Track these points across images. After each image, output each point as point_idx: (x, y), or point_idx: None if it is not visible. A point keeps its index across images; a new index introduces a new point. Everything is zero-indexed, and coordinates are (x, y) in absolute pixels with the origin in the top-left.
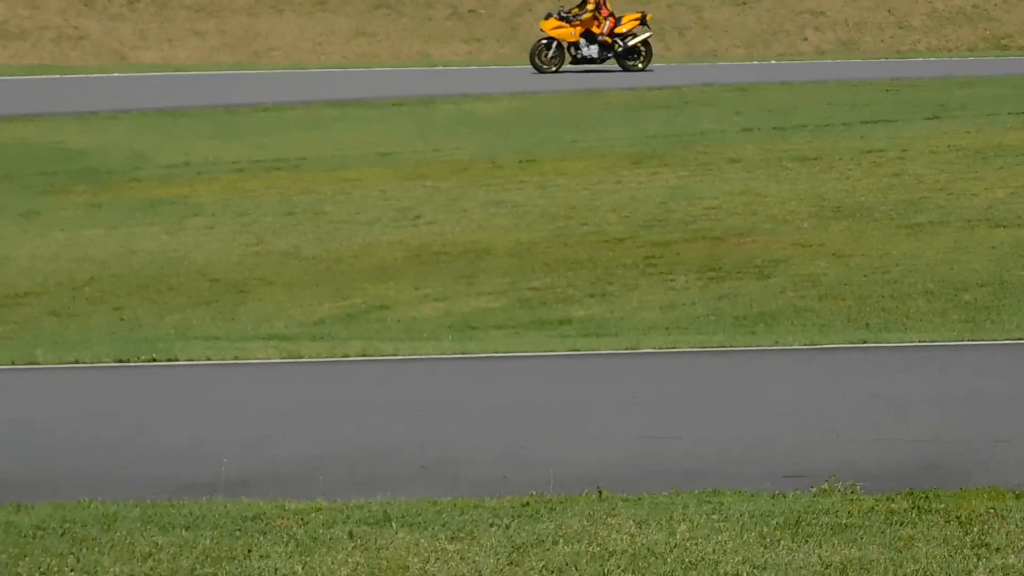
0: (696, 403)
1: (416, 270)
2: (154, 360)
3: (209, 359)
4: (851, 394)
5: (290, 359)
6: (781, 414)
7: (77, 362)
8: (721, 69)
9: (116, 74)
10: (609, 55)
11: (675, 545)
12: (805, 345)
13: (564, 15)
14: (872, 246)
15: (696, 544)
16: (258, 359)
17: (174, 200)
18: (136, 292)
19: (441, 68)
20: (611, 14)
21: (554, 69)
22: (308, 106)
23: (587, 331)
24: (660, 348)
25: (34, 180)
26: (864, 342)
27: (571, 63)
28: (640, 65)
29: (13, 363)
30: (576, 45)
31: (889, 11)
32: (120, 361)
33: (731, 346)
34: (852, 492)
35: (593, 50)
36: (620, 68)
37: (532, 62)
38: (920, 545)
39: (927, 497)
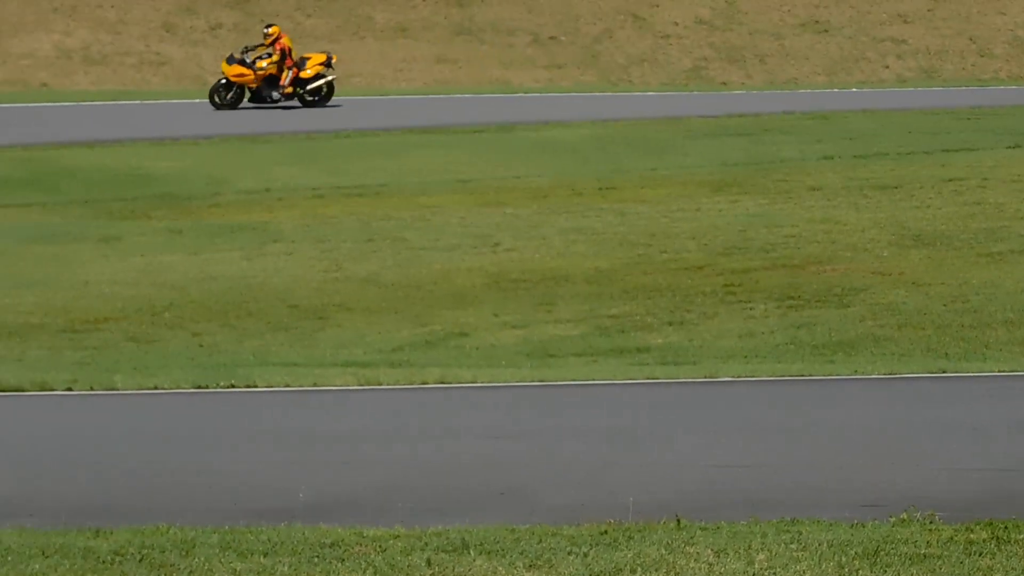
0: (775, 432)
1: (495, 297)
2: (233, 386)
3: (288, 385)
4: (930, 423)
5: (368, 386)
6: (860, 443)
7: (156, 388)
8: (802, 96)
9: (197, 100)
10: (290, 98)
11: (753, 575)
12: (884, 374)
13: (247, 61)
14: (952, 275)
15: (774, 574)
16: (336, 386)
17: (254, 226)
18: (215, 318)
19: (521, 95)
20: (295, 64)
21: (230, 107)
22: (388, 132)
23: (665, 359)
24: (738, 376)
25: (114, 205)
26: (943, 371)
27: (250, 100)
28: (320, 102)
29: (92, 388)
30: (257, 88)
31: (970, 39)
32: (199, 387)
33: (810, 375)
34: (931, 522)
35: (273, 94)
36: (300, 104)
37: (210, 99)
38: None
39: (1006, 527)
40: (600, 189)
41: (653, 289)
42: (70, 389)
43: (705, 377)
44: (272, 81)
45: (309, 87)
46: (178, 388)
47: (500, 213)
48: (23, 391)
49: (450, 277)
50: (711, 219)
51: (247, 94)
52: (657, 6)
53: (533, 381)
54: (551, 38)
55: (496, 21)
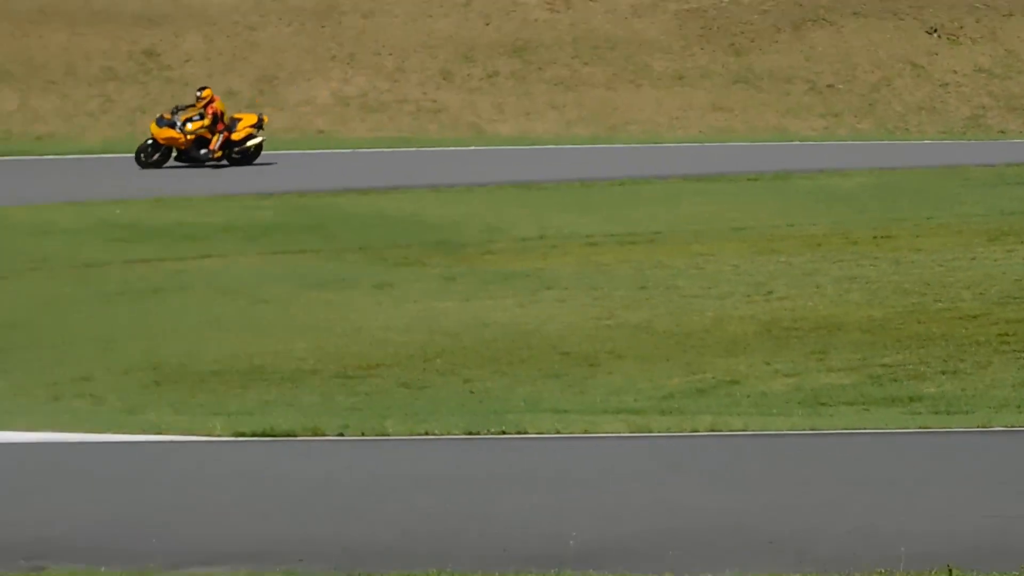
0: None
1: (767, 345)
2: (504, 432)
3: (559, 432)
4: None
5: (639, 433)
6: None
7: (427, 434)
8: None
9: (473, 147)
10: (219, 161)
11: None
12: None
13: (177, 123)
14: None
15: None
16: (607, 432)
17: (528, 272)
18: (487, 364)
19: (798, 143)
20: (226, 127)
21: (155, 166)
22: (664, 180)
23: (938, 408)
24: (1013, 426)
25: (390, 252)
26: None
27: (177, 159)
28: (246, 160)
29: (363, 434)
30: (186, 150)
31: None
32: (470, 433)
33: None
34: None
35: (201, 155)
36: (227, 163)
37: (136, 158)
38: None
39: None
40: (875, 238)
41: (927, 338)
42: (342, 435)
43: (978, 427)
44: (201, 143)
45: (236, 149)
46: (449, 434)
47: (774, 261)
48: (295, 436)
49: (722, 325)
50: (987, 268)
51: (174, 153)
52: (936, 54)
53: (804, 429)
54: (829, 86)
55: (773, 69)
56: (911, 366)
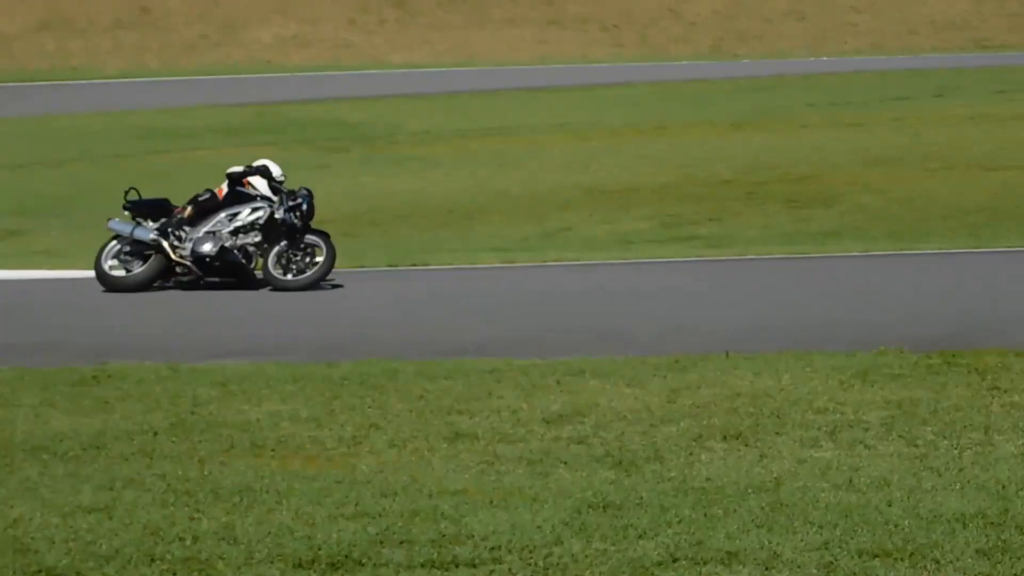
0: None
1: (589, 203)
2: (414, 265)
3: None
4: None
5: (508, 264)
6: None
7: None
8: None
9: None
10: None
11: (780, 389)
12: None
13: None
14: None
15: (795, 388)
16: (484, 264)
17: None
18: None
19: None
20: None
21: None
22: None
23: (709, 244)
24: (762, 255)
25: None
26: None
27: None
28: None
29: None
30: None
31: None
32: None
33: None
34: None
35: None
36: None
37: None
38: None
39: (954, 355)
40: (655, 128)
41: (698, 197)
42: None
43: (736, 256)
44: None
45: None
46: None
47: (589, 147)
48: None
49: (558, 191)
50: (733, 148)
51: None
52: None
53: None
54: (614, 26)
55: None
56: (690, 215)
